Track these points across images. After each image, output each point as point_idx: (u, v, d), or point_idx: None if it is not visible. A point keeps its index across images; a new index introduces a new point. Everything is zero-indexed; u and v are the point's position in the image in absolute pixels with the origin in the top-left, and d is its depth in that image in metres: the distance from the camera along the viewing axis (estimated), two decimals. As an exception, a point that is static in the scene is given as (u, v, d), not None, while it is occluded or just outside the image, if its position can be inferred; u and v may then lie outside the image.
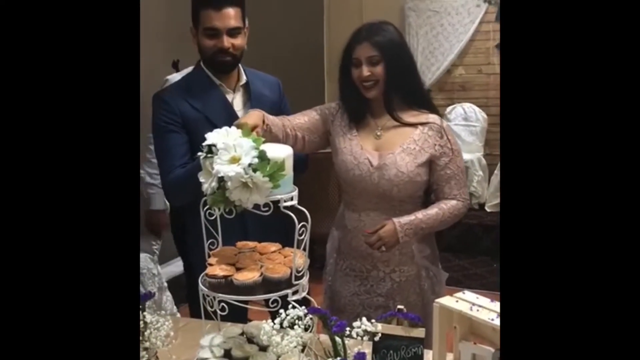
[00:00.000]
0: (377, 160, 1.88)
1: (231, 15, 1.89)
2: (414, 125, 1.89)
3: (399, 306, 1.48)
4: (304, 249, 1.49)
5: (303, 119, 1.96)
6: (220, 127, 1.45)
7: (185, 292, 3.06)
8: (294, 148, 1.86)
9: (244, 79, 2.03)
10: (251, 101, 2.00)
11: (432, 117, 1.92)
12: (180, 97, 1.96)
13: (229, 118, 1.83)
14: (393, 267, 1.95)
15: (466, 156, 5.19)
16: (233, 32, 1.91)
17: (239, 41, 1.94)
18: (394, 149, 1.88)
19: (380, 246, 1.84)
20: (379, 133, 1.92)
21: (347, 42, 1.91)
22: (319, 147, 2.02)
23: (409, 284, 1.96)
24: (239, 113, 1.97)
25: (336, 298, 2.04)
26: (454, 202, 1.92)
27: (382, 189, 1.87)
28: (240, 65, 2.04)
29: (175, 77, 2.78)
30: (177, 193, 1.94)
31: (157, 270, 3.40)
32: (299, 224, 1.42)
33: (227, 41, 1.90)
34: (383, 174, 1.86)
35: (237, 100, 2.01)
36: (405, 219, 1.86)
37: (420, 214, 1.88)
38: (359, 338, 1.36)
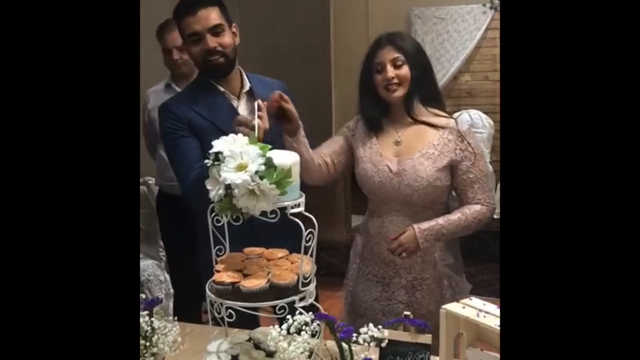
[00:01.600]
0: (396, 166, 1.91)
1: (209, 15, 1.88)
2: (434, 127, 1.92)
3: (406, 312, 1.48)
4: (311, 255, 1.50)
5: (327, 145, 2.03)
6: (228, 133, 1.46)
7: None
8: (327, 175, 1.98)
9: (247, 85, 2.01)
10: (254, 109, 1.99)
11: (452, 122, 1.94)
12: (186, 105, 1.95)
13: None
14: (415, 274, 1.95)
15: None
16: (216, 31, 1.89)
17: (226, 39, 1.92)
18: (413, 155, 1.90)
19: (401, 252, 1.85)
20: (398, 139, 1.94)
21: (367, 51, 1.95)
22: (348, 165, 2.05)
23: (431, 292, 1.96)
24: None
25: (357, 303, 2.05)
26: (477, 206, 1.91)
27: (403, 195, 1.89)
28: (242, 71, 2.04)
29: (156, 88, 2.79)
30: (198, 195, 1.85)
31: (164, 276, 3.41)
32: (306, 230, 1.42)
33: (211, 41, 1.88)
34: (402, 180, 1.88)
35: (242, 108, 2.00)
36: (425, 224, 1.86)
37: (441, 220, 1.88)
38: (366, 344, 1.36)
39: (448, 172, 1.91)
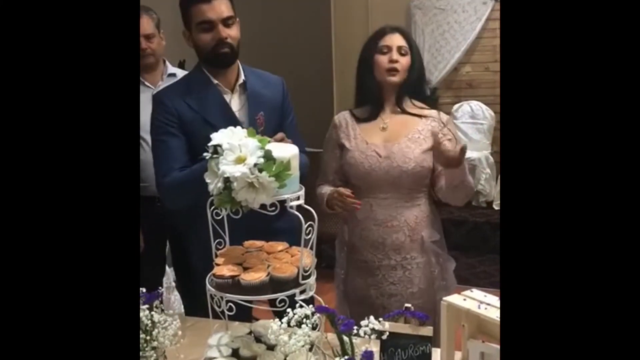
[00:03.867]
0: (383, 150, 1.99)
1: (222, 6, 1.89)
2: (417, 116, 2.03)
3: (407, 304, 1.48)
4: (311, 248, 1.50)
5: (331, 171, 2.09)
6: (217, 127, 1.46)
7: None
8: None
9: (242, 78, 2.01)
10: (248, 101, 1.98)
11: (434, 112, 2.07)
12: (178, 97, 1.94)
13: (226, 118, 1.84)
14: (404, 254, 2.02)
15: (474, 154, 5.18)
16: (227, 22, 1.90)
17: (234, 32, 1.93)
18: (399, 139, 2.00)
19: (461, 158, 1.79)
20: (384, 126, 2.03)
21: (370, 38, 2.04)
22: None
23: (420, 270, 2.03)
24: (237, 113, 1.95)
25: (351, 291, 2.10)
26: None
27: (392, 177, 1.97)
28: (239, 63, 2.03)
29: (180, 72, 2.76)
30: (175, 196, 1.92)
31: (165, 270, 3.40)
32: (305, 223, 1.42)
33: (223, 31, 1.89)
34: (392, 162, 1.97)
35: (235, 100, 1.99)
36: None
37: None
38: (367, 337, 1.36)
39: (431, 155, 1.98)
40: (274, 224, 1.69)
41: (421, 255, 2.03)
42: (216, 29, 1.89)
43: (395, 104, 2.03)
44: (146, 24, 2.60)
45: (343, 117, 2.10)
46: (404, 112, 2.03)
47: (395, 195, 1.99)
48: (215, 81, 1.96)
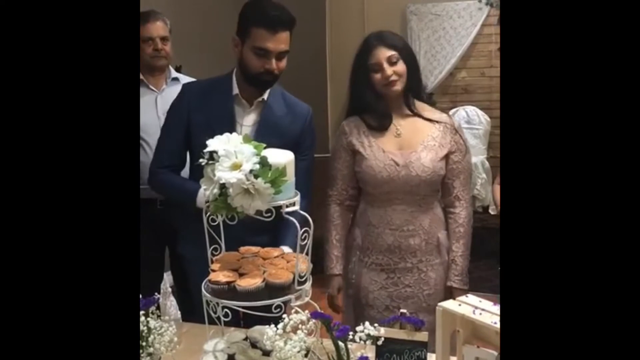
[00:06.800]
0: (401, 159, 1.99)
1: (283, 39, 1.85)
2: (430, 121, 2.03)
3: (402, 310, 1.48)
4: (307, 254, 1.50)
5: (342, 178, 2.09)
6: (216, 134, 1.46)
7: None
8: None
9: (264, 96, 1.97)
10: (260, 121, 1.96)
11: (445, 117, 2.07)
12: (198, 96, 1.97)
13: (228, 130, 1.83)
14: (420, 257, 2.03)
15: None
16: (281, 56, 1.87)
17: (283, 64, 1.90)
18: (416, 147, 2.00)
19: None
20: (398, 132, 2.02)
21: (358, 53, 2.02)
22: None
23: (436, 272, 2.05)
24: (247, 129, 1.94)
25: (363, 294, 2.08)
26: (463, 212, 2.06)
27: (410, 185, 1.98)
28: None
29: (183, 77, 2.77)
30: (157, 190, 2.14)
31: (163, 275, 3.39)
32: (301, 229, 1.42)
33: (274, 64, 1.86)
34: (410, 171, 1.97)
35: (251, 115, 1.98)
36: (456, 272, 2.04)
37: (459, 259, 2.04)
38: (362, 342, 1.36)
39: (444, 161, 2.02)
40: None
41: (438, 256, 2.05)
42: (270, 60, 1.85)
43: (405, 107, 2.03)
44: (162, 27, 2.63)
45: (354, 124, 2.06)
46: (415, 114, 2.03)
47: (410, 201, 2.00)
48: (236, 92, 1.95)
